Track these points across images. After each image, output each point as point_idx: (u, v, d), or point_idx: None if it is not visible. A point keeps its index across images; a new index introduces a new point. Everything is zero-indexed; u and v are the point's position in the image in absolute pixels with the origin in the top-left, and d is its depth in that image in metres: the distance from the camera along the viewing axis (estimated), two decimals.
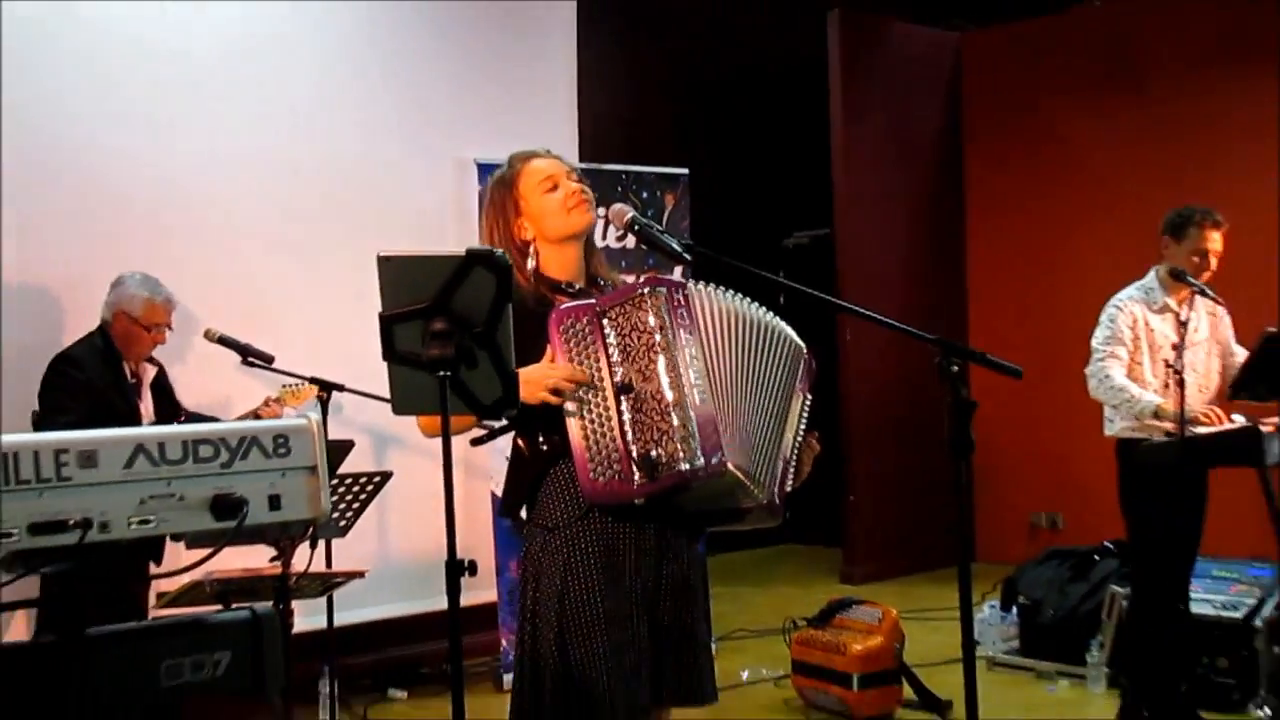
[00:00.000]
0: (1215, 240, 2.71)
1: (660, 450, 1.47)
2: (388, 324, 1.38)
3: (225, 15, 3.30)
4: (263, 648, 1.17)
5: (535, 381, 1.50)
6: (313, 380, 2.73)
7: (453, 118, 3.65)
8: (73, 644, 1.07)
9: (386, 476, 2.73)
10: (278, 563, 2.37)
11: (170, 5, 3.21)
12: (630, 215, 1.61)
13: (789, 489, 1.60)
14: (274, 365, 2.72)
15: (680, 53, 5.14)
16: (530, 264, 1.62)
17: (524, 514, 1.61)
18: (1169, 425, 2.60)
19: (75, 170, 3.02)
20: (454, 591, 1.36)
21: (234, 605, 1.71)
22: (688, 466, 1.47)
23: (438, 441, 1.38)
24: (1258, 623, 2.96)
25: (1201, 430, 2.58)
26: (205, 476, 1.11)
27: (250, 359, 2.70)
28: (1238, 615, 3.02)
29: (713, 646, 1.69)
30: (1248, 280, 3.48)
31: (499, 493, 2.21)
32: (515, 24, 3.83)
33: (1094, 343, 2.78)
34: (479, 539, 3.30)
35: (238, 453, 1.13)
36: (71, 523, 1.03)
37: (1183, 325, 2.69)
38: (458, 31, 3.74)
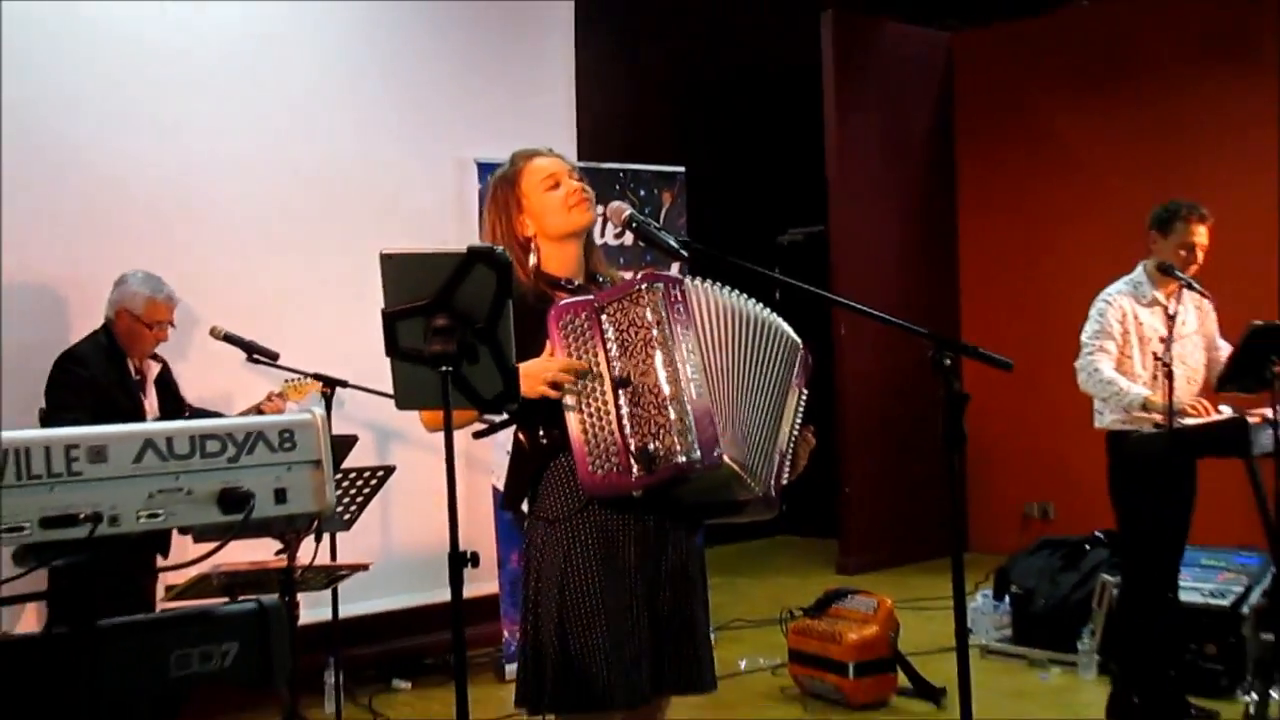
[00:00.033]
0: (1201, 234, 2.74)
1: (657, 443, 1.48)
2: (390, 320, 1.39)
3: (226, 15, 3.30)
4: (269, 639, 1.17)
5: (535, 375, 1.51)
6: (317, 376, 2.75)
7: (453, 118, 3.66)
8: (84, 635, 1.08)
9: (390, 471, 2.75)
10: (283, 556, 2.40)
11: (170, 5, 3.21)
12: (628, 213, 1.62)
13: (785, 482, 1.61)
14: (278, 362, 2.75)
15: (677, 53, 5.17)
16: (532, 260, 1.63)
17: (525, 507, 1.63)
18: (1158, 417, 2.62)
19: (78, 170, 3.03)
20: (457, 583, 1.37)
21: (240, 598, 1.73)
22: (684, 459, 1.48)
23: (440, 436, 1.39)
24: (1245, 610, 3.01)
25: (1189, 422, 2.60)
26: (213, 471, 1.12)
27: (255, 356, 2.71)
28: (1225, 603, 3.05)
29: (711, 636, 1.72)
30: (1236, 275, 3.52)
31: (500, 487, 2.23)
32: (514, 25, 3.84)
33: (1083, 337, 2.80)
34: (481, 532, 3.31)
35: (244, 447, 1.14)
36: (82, 516, 1.05)
37: (1171, 318, 2.71)
38: (457, 32, 3.75)
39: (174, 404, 2.73)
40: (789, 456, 1.63)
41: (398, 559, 3.35)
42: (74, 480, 1.06)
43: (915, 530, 4.82)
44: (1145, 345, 2.76)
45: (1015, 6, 5.00)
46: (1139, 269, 2.84)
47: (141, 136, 3.14)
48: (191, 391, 2.88)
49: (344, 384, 2.76)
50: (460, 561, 1.38)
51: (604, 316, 1.55)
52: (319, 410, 1.21)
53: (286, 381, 2.80)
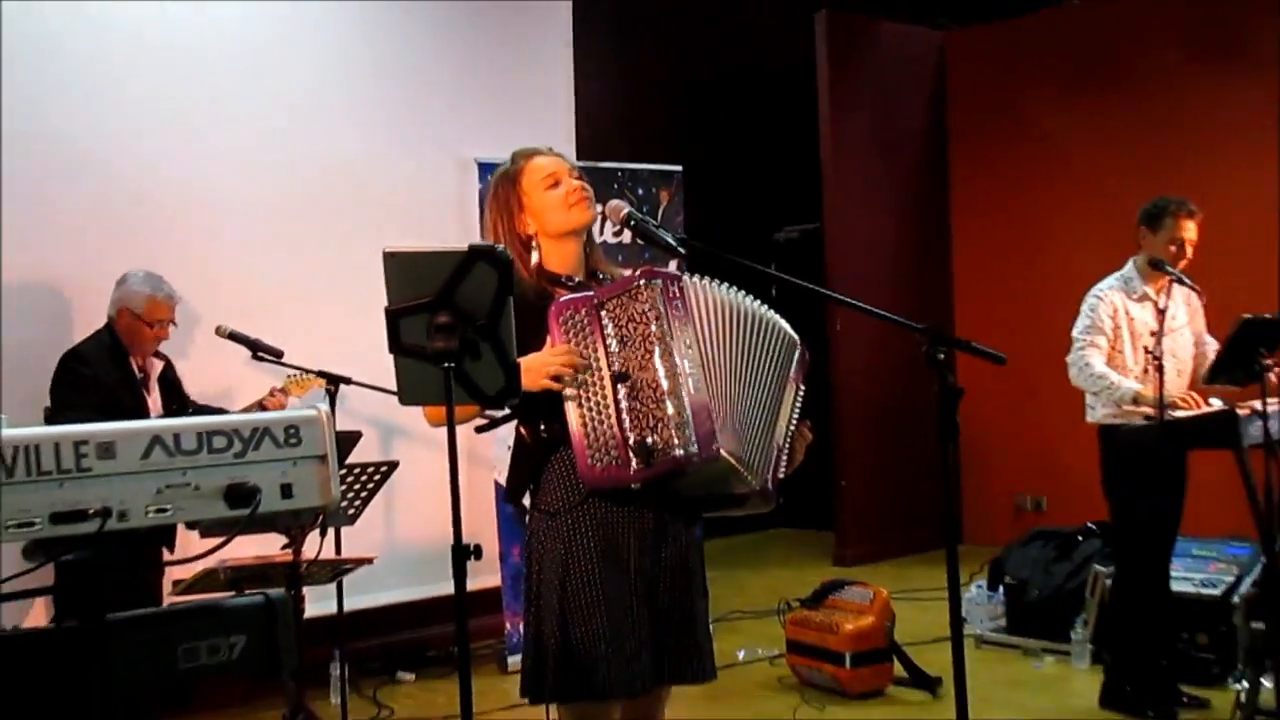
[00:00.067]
0: (1190, 230, 2.76)
1: (655, 437, 1.50)
2: (394, 318, 1.40)
3: (227, 15, 3.31)
4: (276, 631, 1.18)
5: (536, 369, 1.53)
6: (321, 374, 2.76)
7: (453, 119, 3.68)
8: (94, 629, 1.09)
9: (393, 466, 2.77)
10: (289, 550, 2.42)
11: (171, 5, 3.21)
12: (627, 211, 1.63)
13: (782, 475, 1.62)
14: (282, 360, 2.76)
15: (674, 54, 5.19)
16: (534, 258, 1.65)
17: (527, 501, 1.65)
18: (1149, 410, 2.64)
19: (80, 169, 3.03)
20: (460, 574, 1.39)
21: (247, 591, 1.75)
22: (682, 453, 1.50)
23: (442, 432, 1.41)
24: (1235, 599, 3.03)
25: (1180, 414, 2.63)
26: (220, 466, 1.12)
27: (260, 354, 2.73)
28: (1216, 592, 3.07)
29: (710, 627, 1.75)
30: (1231, 273, 3.55)
31: (502, 481, 2.26)
32: (514, 26, 3.85)
33: (1074, 332, 2.82)
34: (483, 526, 3.33)
35: (250, 443, 1.14)
36: (91, 511, 1.06)
37: (1161, 313, 2.74)
38: (457, 33, 3.76)
39: (177, 401, 2.75)
40: (786, 450, 1.63)
41: (401, 553, 3.36)
42: (84, 476, 1.07)
43: (910, 522, 4.85)
44: (1136, 340, 2.78)
45: (1008, 6, 5.03)
46: (1129, 265, 2.86)
47: (144, 136, 3.15)
48: (192, 389, 2.89)
49: (348, 381, 2.78)
50: (463, 554, 1.39)
51: (604, 312, 1.56)
52: (324, 406, 1.22)
53: (288, 376, 2.82)
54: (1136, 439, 2.71)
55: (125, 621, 1.12)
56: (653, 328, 1.54)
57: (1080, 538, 3.53)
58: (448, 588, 1.42)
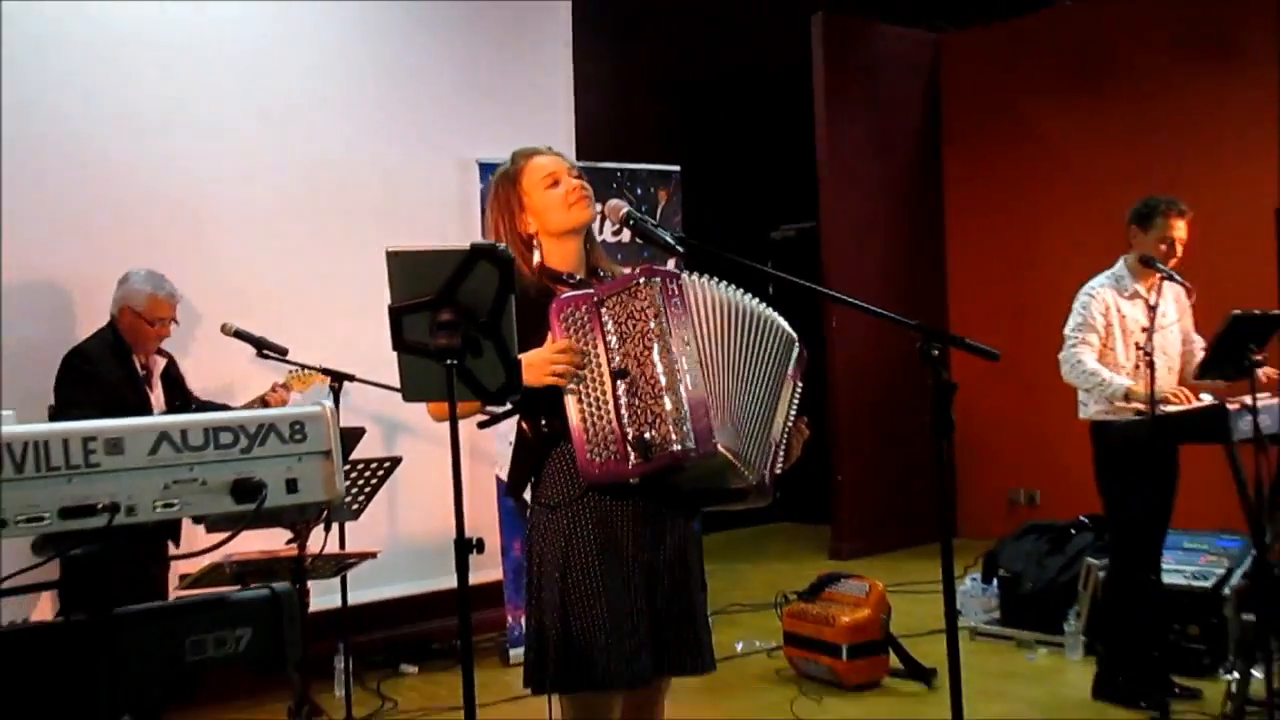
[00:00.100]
0: (1180, 228, 2.79)
1: (654, 432, 1.52)
2: (397, 316, 1.41)
3: (226, 15, 3.32)
4: (282, 625, 1.19)
5: (537, 366, 1.55)
6: (325, 371, 2.78)
7: (454, 119, 3.69)
8: (102, 622, 1.10)
9: (396, 462, 2.79)
10: (294, 544, 2.45)
11: (171, 5, 3.22)
12: (625, 210, 1.65)
13: (779, 470, 1.63)
14: (287, 358, 2.78)
15: (672, 54, 5.21)
16: (536, 257, 1.66)
17: (528, 495, 1.67)
18: (1140, 406, 2.66)
19: (82, 169, 3.04)
20: (463, 568, 1.40)
21: (252, 585, 1.77)
22: (679, 448, 1.51)
23: (444, 427, 1.42)
24: (1226, 591, 3.06)
25: (1171, 409, 2.65)
26: (226, 461, 1.14)
27: (265, 352, 2.75)
28: (1207, 585, 3.10)
29: (709, 619, 1.77)
30: (1225, 273, 3.59)
31: (504, 477, 2.28)
32: (513, 26, 3.87)
33: (1066, 329, 2.85)
34: (485, 521, 3.35)
35: (256, 439, 1.15)
36: (100, 506, 1.07)
37: (1152, 310, 2.77)
38: (458, 35, 3.77)
39: (180, 397, 2.77)
40: (783, 446, 1.64)
41: (404, 547, 3.38)
42: (92, 471, 1.08)
43: (905, 516, 4.89)
44: (1127, 337, 2.80)
45: (1002, 7, 5.04)
46: (1120, 263, 2.88)
47: (145, 136, 3.16)
48: (195, 385, 2.91)
49: (351, 378, 2.80)
50: (465, 548, 1.40)
51: (604, 309, 1.58)
52: (328, 403, 1.23)
53: (290, 372, 2.84)
54: (1128, 434, 2.74)
55: (133, 615, 1.14)
56: (652, 325, 1.56)
57: (1073, 531, 3.56)
58: (450, 581, 1.43)
